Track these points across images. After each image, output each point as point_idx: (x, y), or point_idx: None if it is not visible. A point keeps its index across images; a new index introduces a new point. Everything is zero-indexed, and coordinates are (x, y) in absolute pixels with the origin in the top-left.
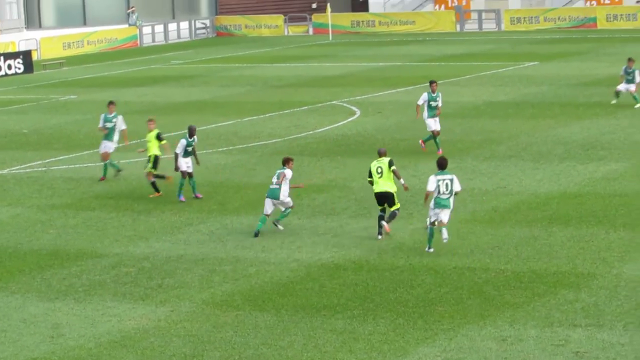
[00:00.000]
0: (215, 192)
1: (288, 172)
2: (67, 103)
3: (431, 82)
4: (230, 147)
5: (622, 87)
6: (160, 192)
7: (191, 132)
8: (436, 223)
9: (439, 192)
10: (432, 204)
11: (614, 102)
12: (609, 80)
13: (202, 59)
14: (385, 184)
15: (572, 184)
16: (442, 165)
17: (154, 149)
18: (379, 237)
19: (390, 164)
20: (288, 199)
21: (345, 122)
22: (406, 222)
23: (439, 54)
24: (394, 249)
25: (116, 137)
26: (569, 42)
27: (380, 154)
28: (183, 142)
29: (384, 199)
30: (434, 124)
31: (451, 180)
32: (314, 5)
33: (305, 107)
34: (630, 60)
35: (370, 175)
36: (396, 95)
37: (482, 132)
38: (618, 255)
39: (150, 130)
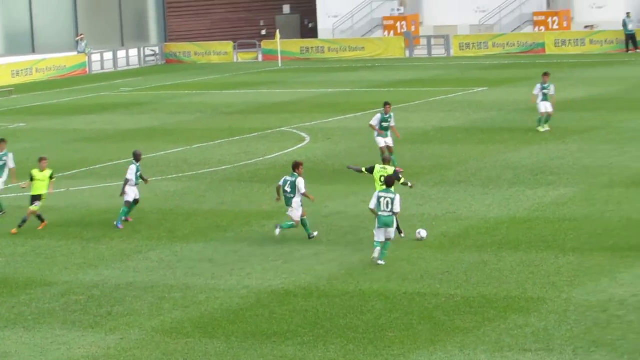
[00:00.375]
0: (165, 220)
1: (300, 183)
2: (17, 131)
3: (385, 104)
4: (180, 174)
5: (542, 108)
6: (46, 221)
7: (137, 157)
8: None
9: (379, 210)
10: (376, 222)
11: (543, 129)
12: (558, 105)
13: (152, 86)
14: None
15: (521, 208)
16: (388, 183)
17: (43, 189)
18: (402, 235)
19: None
20: (295, 212)
21: (294, 148)
22: (355, 248)
23: (388, 79)
24: (344, 275)
25: (5, 175)
26: (518, 68)
27: (386, 161)
28: (133, 168)
29: None
30: (383, 142)
31: (392, 199)
32: (263, 32)
33: (255, 134)
34: (545, 74)
35: (370, 171)
36: (345, 122)
37: (431, 157)
38: (567, 279)
39: (43, 170)
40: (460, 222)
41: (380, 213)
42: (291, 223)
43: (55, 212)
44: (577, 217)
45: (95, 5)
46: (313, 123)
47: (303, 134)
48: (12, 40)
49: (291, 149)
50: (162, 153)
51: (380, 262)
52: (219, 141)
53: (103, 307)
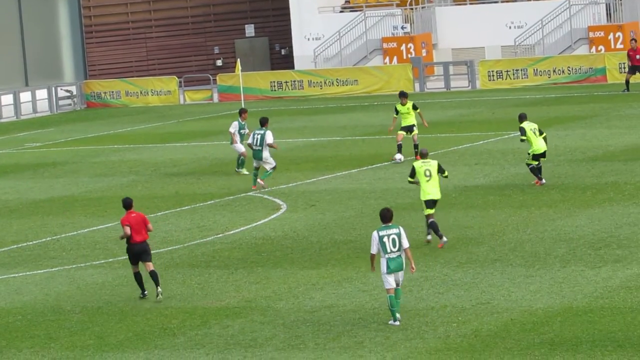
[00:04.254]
0: (91, 322)
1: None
2: None
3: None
4: (110, 259)
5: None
6: None
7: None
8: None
9: (386, 252)
10: (383, 267)
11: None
12: (627, 153)
13: (68, 139)
14: (434, 188)
15: (579, 295)
16: (385, 217)
17: None
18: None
19: (440, 169)
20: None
21: (266, 220)
22: (354, 354)
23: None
24: None
25: None
26: (569, 103)
27: (424, 155)
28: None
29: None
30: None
31: (398, 235)
32: (219, 62)
33: (211, 201)
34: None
35: (413, 175)
36: (335, 182)
37: (454, 228)
38: None
39: None
40: (496, 315)
41: (388, 255)
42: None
43: None
44: None
45: None
46: (290, 185)
47: (277, 200)
48: None
49: (262, 221)
50: (85, 231)
51: (397, 322)
52: (163, 212)
53: None
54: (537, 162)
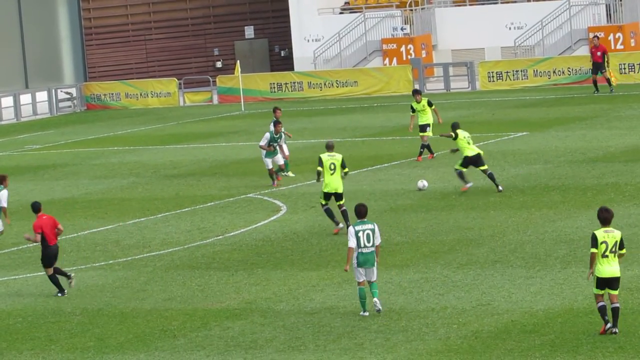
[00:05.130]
0: (92, 323)
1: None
2: None
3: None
4: (110, 261)
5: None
6: None
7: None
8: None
9: (359, 246)
10: (355, 261)
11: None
12: (627, 154)
13: (68, 141)
14: (337, 181)
15: (580, 297)
16: (360, 213)
17: None
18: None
19: (343, 164)
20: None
21: (267, 221)
22: (354, 356)
23: (392, 124)
24: None
25: None
26: (570, 104)
27: (330, 148)
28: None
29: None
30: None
31: (372, 230)
32: (219, 64)
33: (211, 203)
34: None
35: (321, 165)
36: None
37: (454, 229)
38: None
39: None
40: (497, 317)
41: (361, 250)
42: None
43: None
44: None
45: None
46: (290, 187)
47: (277, 202)
48: None
49: (262, 223)
50: (85, 233)
51: (378, 306)
52: (163, 214)
53: None
54: (466, 168)
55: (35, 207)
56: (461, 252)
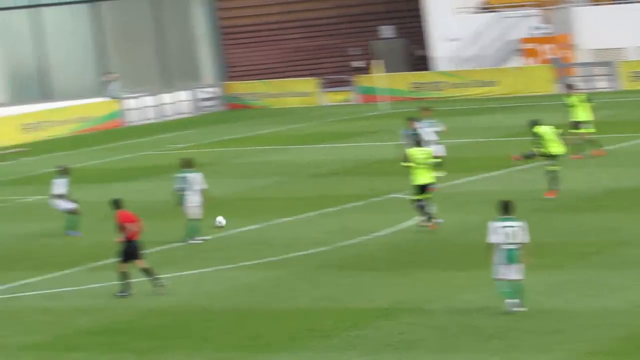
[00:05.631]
0: (243, 322)
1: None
2: (31, 206)
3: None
4: (259, 260)
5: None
6: None
7: None
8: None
9: (501, 243)
10: (495, 257)
11: None
12: None
13: (210, 140)
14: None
15: None
16: (506, 209)
17: None
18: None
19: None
20: None
21: (411, 222)
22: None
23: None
24: None
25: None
26: None
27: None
28: None
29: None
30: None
31: (518, 228)
32: (357, 64)
33: (357, 203)
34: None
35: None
36: (477, 184)
37: (604, 230)
38: None
39: None
40: None
41: (501, 247)
42: None
43: (92, 315)
44: None
45: (125, 33)
46: (436, 186)
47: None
48: (19, 85)
49: (408, 222)
50: (233, 232)
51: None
52: (307, 214)
53: None
54: None
55: (118, 203)
56: (610, 253)
